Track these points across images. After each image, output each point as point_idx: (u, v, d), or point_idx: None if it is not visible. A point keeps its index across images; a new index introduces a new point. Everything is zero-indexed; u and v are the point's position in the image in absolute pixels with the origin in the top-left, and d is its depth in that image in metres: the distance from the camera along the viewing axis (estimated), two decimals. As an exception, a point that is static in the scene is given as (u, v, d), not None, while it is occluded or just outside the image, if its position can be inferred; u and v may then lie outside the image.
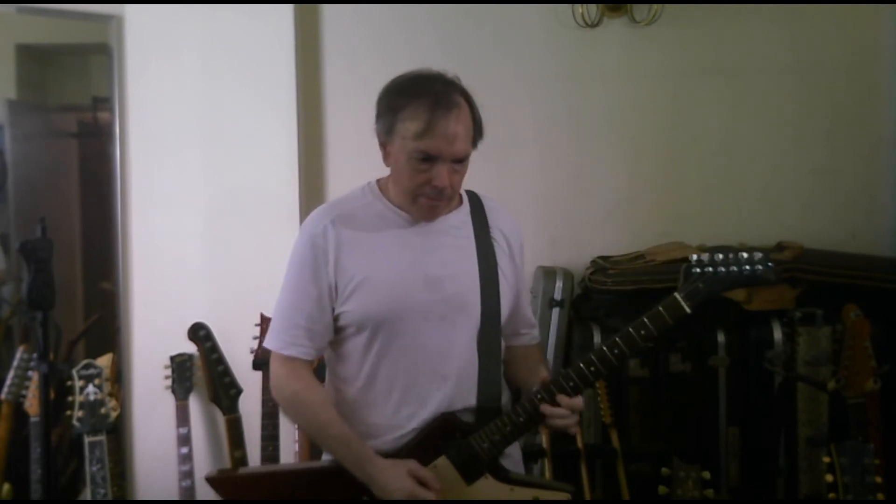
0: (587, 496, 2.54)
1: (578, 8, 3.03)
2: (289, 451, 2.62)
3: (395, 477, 1.58)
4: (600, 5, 3.02)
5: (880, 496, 1.86)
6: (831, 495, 1.87)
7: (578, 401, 1.61)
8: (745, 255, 1.62)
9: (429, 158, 1.57)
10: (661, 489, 2.09)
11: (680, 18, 3.05)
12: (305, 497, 1.67)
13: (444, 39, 3.00)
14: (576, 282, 2.98)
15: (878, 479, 1.86)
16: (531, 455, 2.55)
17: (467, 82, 1.67)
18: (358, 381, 1.67)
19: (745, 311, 2.71)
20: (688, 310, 1.59)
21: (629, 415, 2.75)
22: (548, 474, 2.50)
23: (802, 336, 2.59)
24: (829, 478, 1.87)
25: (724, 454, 2.75)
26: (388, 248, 1.65)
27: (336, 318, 1.66)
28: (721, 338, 2.76)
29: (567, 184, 3.12)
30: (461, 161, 1.61)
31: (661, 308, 1.60)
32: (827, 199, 3.17)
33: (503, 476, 1.65)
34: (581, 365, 1.61)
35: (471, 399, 1.67)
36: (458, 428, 1.65)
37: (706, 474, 2.08)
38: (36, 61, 2.79)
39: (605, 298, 2.80)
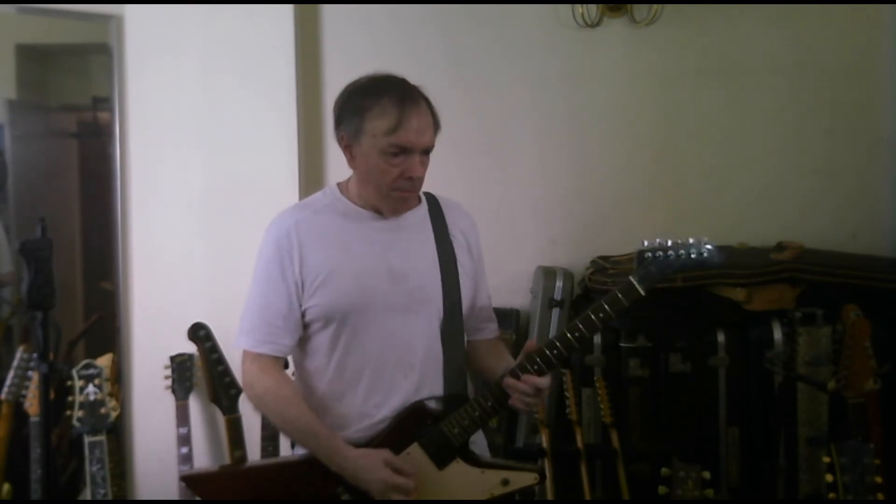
0: (587, 496, 2.54)
1: (578, 8, 3.03)
2: (289, 450, 2.61)
3: (371, 467, 1.62)
4: (600, 5, 3.03)
5: (880, 496, 1.85)
6: (831, 495, 1.86)
7: (542, 380, 1.65)
8: (691, 240, 1.70)
9: (401, 152, 1.64)
10: (661, 489, 2.09)
11: (680, 19, 3.06)
12: (282, 491, 1.70)
13: (444, 39, 2.98)
14: (576, 282, 2.98)
15: (878, 479, 1.86)
16: (531, 454, 2.56)
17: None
18: (326, 374, 1.73)
19: (745, 311, 2.71)
20: (642, 292, 1.66)
21: (629, 415, 2.75)
22: (548, 474, 2.50)
23: (802, 336, 2.59)
24: (829, 478, 1.87)
25: (724, 454, 2.75)
26: (352, 243, 1.72)
27: (304, 314, 1.71)
28: (721, 338, 2.76)
29: (567, 184, 3.12)
30: (428, 152, 1.69)
31: (617, 292, 1.67)
32: (827, 198, 3.18)
33: (473, 460, 1.72)
34: (545, 348, 1.67)
35: (437, 388, 1.73)
36: (428, 415, 1.71)
37: (706, 474, 2.08)
38: (36, 61, 2.79)
39: (605, 298, 2.80)
